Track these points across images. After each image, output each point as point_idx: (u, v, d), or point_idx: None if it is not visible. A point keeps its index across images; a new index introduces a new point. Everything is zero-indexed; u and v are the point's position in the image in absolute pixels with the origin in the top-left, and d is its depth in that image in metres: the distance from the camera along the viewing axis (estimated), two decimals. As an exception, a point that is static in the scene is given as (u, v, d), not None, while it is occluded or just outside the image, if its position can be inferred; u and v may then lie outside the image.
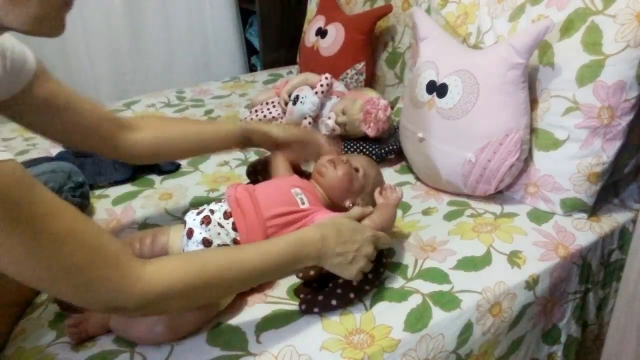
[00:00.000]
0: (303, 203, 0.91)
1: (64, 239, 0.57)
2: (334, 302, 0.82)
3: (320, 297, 0.82)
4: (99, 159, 1.32)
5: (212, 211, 0.89)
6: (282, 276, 0.82)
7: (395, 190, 0.97)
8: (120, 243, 0.64)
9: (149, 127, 0.95)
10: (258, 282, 0.80)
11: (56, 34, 0.60)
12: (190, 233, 0.87)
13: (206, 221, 0.87)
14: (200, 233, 0.86)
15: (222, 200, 0.92)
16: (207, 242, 0.86)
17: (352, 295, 0.83)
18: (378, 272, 0.87)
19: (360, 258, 0.79)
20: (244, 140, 1.01)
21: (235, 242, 0.86)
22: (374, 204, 0.98)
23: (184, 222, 0.89)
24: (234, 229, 0.86)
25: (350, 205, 0.96)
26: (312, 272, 0.85)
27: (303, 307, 0.82)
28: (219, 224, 0.86)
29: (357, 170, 0.99)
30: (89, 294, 0.60)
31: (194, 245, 0.86)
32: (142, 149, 0.94)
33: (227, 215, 0.87)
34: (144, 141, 0.94)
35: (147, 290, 0.63)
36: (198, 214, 0.89)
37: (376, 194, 0.96)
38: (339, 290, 0.83)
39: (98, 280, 0.59)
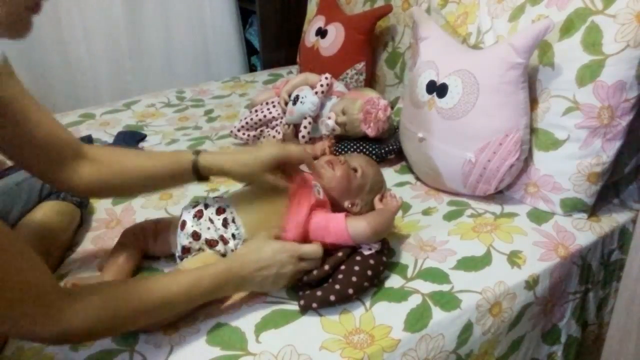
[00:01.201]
0: (319, 193, 0.93)
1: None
2: (332, 298, 0.82)
3: (319, 293, 0.83)
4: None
5: (206, 205, 0.91)
6: (202, 302, 0.80)
7: (396, 198, 0.98)
8: (50, 279, 0.63)
9: (104, 160, 0.86)
10: (182, 309, 0.78)
11: (21, 36, 0.57)
12: (183, 225, 0.90)
13: (198, 215, 0.90)
14: (192, 226, 0.90)
15: (223, 197, 0.93)
16: (195, 235, 0.89)
17: (350, 292, 0.83)
18: (377, 270, 0.87)
19: (281, 277, 0.83)
20: (199, 177, 0.90)
21: (222, 239, 0.88)
22: (372, 204, 0.99)
23: (181, 214, 0.93)
24: (224, 225, 0.88)
25: (350, 205, 0.96)
26: (315, 272, 0.85)
27: (302, 302, 0.82)
28: (210, 219, 0.89)
29: (355, 170, 0.99)
30: (7, 327, 0.60)
31: (184, 237, 0.89)
32: (92, 183, 0.85)
33: (219, 212, 0.90)
34: (97, 175, 0.85)
35: (68, 325, 0.62)
36: (194, 207, 0.92)
37: (376, 200, 0.97)
38: (337, 287, 0.83)
39: (20, 315, 0.58)
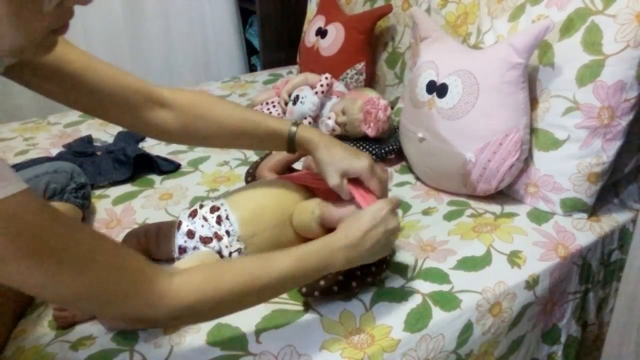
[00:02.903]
0: None
1: (88, 263, 0.56)
2: (335, 288, 0.82)
3: (322, 282, 0.82)
4: (99, 158, 1.32)
5: (201, 205, 0.92)
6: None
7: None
8: (143, 257, 0.62)
9: (184, 105, 0.86)
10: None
11: (44, 55, 0.56)
12: (179, 225, 0.91)
13: (193, 214, 0.91)
14: (187, 225, 0.90)
15: (220, 198, 0.93)
16: (190, 234, 0.90)
17: (354, 284, 0.83)
18: (380, 266, 0.87)
19: (391, 233, 0.79)
20: (291, 147, 0.89)
21: (216, 236, 0.88)
22: None
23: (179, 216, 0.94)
24: (218, 222, 0.89)
25: None
26: (322, 282, 0.83)
27: (304, 290, 0.82)
28: (204, 217, 0.90)
29: None
30: (116, 310, 0.60)
31: (181, 236, 0.90)
32: (173, 129, 0.86)
33: (213, 209, 0.90)
34: (177, 121, 0.85)
35: (177, 302, 0.61)
36: (190, 207, 0.94)
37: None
38: (340, 277, 0.83)
39: (124, 297, 0.58)
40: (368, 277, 0.85)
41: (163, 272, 0.61)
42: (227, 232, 0.88)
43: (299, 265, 0.70)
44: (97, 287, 0.56)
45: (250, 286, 0.66)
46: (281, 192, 0.93)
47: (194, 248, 0.89)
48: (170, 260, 0.95)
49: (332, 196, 0.89)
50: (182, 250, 0.90)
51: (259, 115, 0.91)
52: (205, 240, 0.89)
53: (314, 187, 0.95)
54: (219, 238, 0.89)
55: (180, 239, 0.90)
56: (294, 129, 0.88)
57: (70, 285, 0.55)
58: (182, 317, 0.63)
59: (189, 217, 0.91)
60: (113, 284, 0.57)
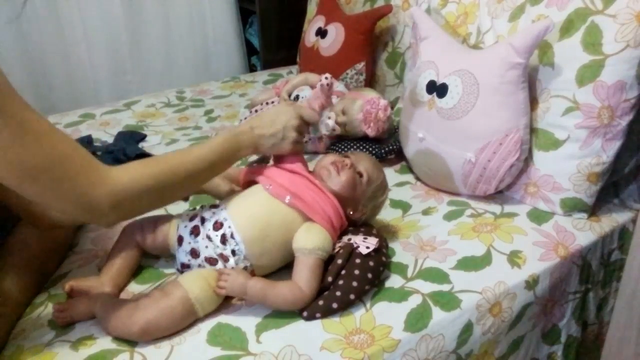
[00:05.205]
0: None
1: (47, 132, 0.65)
2: (334, 306, 0.82)
3: (321, 302, 0.82)
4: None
5: (203, 220, 0.88)
6: (228, 165, 0.89)
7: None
8: (88, 154, 0.71)
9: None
10: (208, 174, 0.87)
11: None
12: (180, 240, 0.88)
13: (195, 232, 0.87)
14: (190, 243, 0.87)
15: (218, 206, 0.91)
16: (194, 253, 0.86)
17: (352, 297, 0.83)
18: (378, 272, 0.87)
19: (289, 133, 0.91)
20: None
21: (222, 257, 0.85)
22: (373, 209, 0.98)
23: (177, 226, 0.90)
24: (222, 242, 0.85)
25: (351, 212, 0.92)
26: (320, 302, 0.83)
27: (305, 314, 0.82)
28: (208, 237, 0.86)
29: (360, 175, 0.94)
30: (66, 189, 0.66)
31: (183, 254, 0.87)
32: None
33: (216, 227, 0.86)
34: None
35: (117, 184, 0.71)
36: (191, 219, 0.89)
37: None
38: (338, 293, 0.83)
39: (75, 174, 0.67)
40: (366, 286, 0.85)
41: (102, 164, 0.72)
42: (233, 252, 0.85)
43: (211, 151, 0.84)
44: (52, 161, 0.64)
45: (176, 171, 0.79)
46: (284, 212, 0.88)
47: (199, 266, 0.87)
48: (167, 257, 0.95)
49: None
50: (186, 266, 0.88)
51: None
52: (211, 262, 0.86)
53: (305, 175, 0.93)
54: (225, 259, 0.85)
55: (182, 257, 0.87)
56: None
57: (30, 151, 0.62)
58: (122, 203, 0.72)
59: (190, 234, 0.87)
60: (66, 160, 0.66)
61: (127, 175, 0.73)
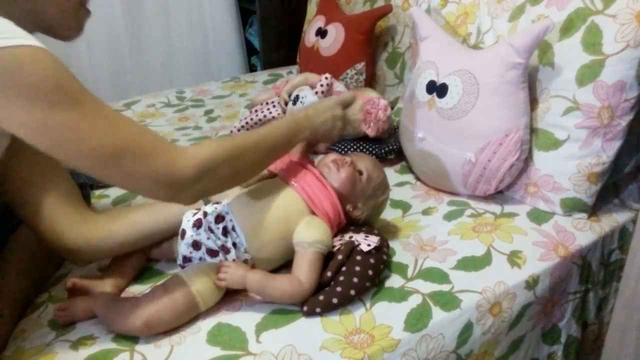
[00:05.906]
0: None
1: (117, 119, 0.67)
2: (335, 301, 0.82)
3: (321, 297, 0.82)
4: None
5: (205, 213, 0.88)
6: (289, 147, 0.92)
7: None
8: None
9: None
10: (273, 155, 0.89)
11: (71, 37, 0.68)
12: (183, 234, 0.88)
13: (197, 224, 0.87)
14: (192, 235, 0.86)
15: (222, 202, 0.92)
16: (196, 245, 0.86)
17: (352, 293, 0.83)
18: (378, 270, 0.87)
19: (336, 122, 0.99)
20: None
21: (223, 248, 0.85)
22: (373, 208, 0.98)
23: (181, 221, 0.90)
24: (224, 234, 0.86)
25: (351, 209, 0.93)
26: (321, 297, 0.83)
27: (305, 308, 0.82)
28: (210, 229, 0.86)
29: (360, 173, 0.95)
30: (149, 166, 0.68)
31: (185, 246, 0.87)
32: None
33: (218, 220, 0.86)
34: None
35: (196, 156, 0.72)
36: (194, 214, 0.89)
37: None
38: (339, 289, 0.83)
39: (153, 152, 0.68)
40: (367, 283, 0.85)
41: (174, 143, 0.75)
42: (234, 244, 0.86)
43: (278, 133, 0.88)
44: (131, 142, 0.67)
45: (247, 147, 0.82)
46: (286, 203, 0.89)
47: (200, 259, 0.87)
48: (170, 261, 0.95)
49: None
50: (187, 259, 0.88)
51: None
52: (212, 253, 0.86)
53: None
54: (225, 251, 0.86)
55: (184, 249, 0.87)
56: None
57: (108, 136, 0.64)
58: (204, 175, 0.73)
59: (193, 226, 0.87)
60: (143, 139, 0.68)
61: (203, 148, 0.75)
